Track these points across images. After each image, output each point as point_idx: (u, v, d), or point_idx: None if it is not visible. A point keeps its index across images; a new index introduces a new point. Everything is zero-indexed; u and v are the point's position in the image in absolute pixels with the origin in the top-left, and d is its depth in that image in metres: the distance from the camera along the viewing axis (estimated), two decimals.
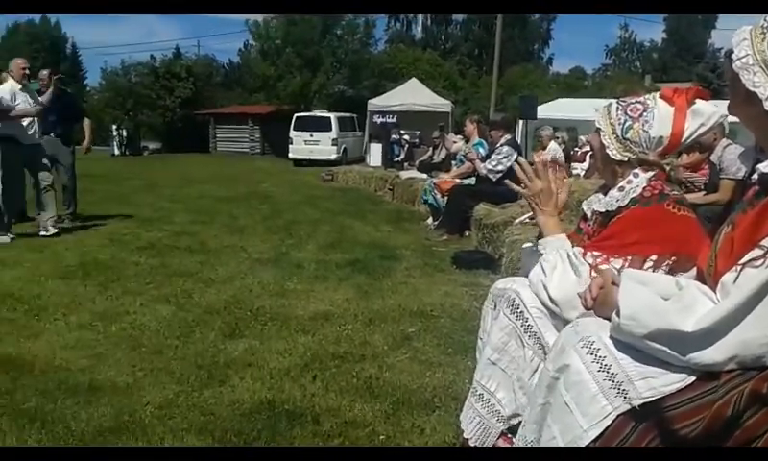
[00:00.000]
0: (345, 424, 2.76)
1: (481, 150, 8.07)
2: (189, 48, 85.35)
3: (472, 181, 7.93)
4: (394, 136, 19.16)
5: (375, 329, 3.99)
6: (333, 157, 23.29)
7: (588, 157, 10.41)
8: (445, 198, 7.81)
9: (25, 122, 6.91)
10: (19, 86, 6.86)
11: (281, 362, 3.43)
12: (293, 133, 24.53)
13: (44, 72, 8.10)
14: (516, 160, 2.56)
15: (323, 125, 24.35)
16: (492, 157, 7.52)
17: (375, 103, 23.70)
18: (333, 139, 24.14)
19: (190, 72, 37.30)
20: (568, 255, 2.05)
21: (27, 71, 7.04)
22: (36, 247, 6.34)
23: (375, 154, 20.77)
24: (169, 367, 3.34)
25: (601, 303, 1.69)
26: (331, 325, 4.07)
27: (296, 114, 25.77)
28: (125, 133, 34.22)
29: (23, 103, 6.80)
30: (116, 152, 32.02)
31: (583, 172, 10.18)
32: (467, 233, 7.26)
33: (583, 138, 12.56)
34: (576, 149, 12.57)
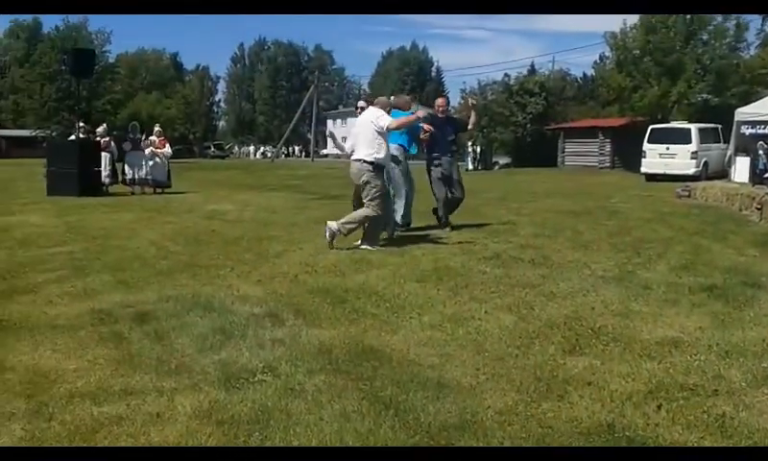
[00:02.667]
0: None
1: None
2: (543, 64, 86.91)
3: None
4: (763, 149, 16.95)
5: (732, 363, 3.60)
6: (691, 171, 21.51)
7: None
8: None
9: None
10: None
11: (623, 386, 3.29)
12: (647, 146, 23.28)
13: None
14: None
15: (681, 137, 22.65)
16: None
17: (745, 112, 21.17)
18: (692, 152, 22.29)
19: (543, 88, 37.90)
20: None
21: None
22: (397, 252, 7.07)
23: (742, 168, 18.56)
24: (510, 375, 3.45)
25: None
26: (681, 353, 3.78)
27: (651, 126, 24.42)
28: (478, 150, 36.22)
29: None
30: (470, 167, 34.04)
31: None
32: None
33: None
34: None
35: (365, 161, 7.24)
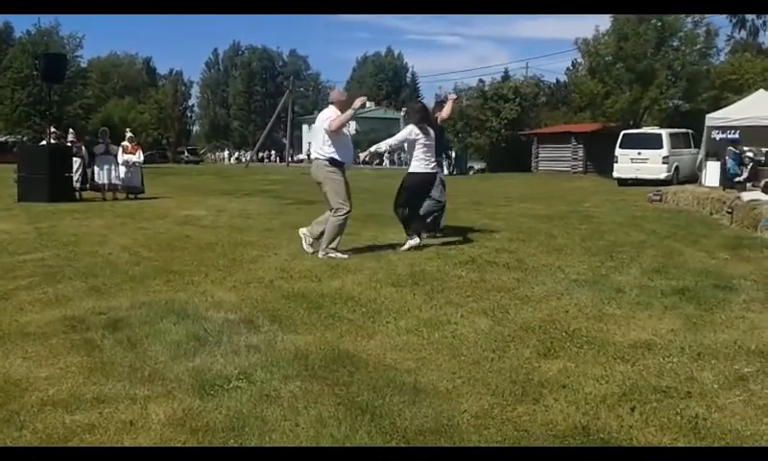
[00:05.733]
0: None
1: None
2: (517, 71, 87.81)
3: None
4: (733, 154, 17.27)
5: (704, 365, 3.65)
6: (663, 176, 21.84)
7: None
8: None
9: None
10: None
11: (597, 388, 3.32)
12: (619, 151, 23.60)
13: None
14: None
15: (652, 142, 23.00)
16: None
17: (715, 117, 21.59)
18: (664, 157, 22.64)
19: (517, 93, 38.18)
20: None
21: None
22: (374, 257, 7.06)
23: (712, 173, 18.90)
24: (485, 378, 3.46)
25: None
26: (653, 355, 3.83)
27: (623, 131, 24.77)
28: (453, 155, 36.37)
29: None
30: (446, 172, 34.16)
31: None
32: None
33: None
34: None
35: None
